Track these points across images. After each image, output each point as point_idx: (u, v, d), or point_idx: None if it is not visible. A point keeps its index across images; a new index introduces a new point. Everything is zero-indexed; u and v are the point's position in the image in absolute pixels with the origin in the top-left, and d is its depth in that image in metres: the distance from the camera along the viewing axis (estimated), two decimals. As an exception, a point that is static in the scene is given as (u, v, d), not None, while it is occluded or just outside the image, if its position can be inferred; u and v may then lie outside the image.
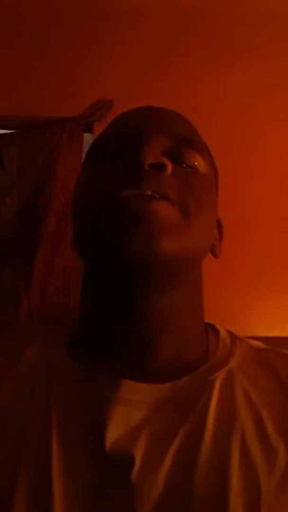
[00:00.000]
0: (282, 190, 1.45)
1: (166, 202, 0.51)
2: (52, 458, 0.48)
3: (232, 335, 0.60)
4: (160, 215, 0.49)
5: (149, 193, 0.50)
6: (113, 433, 0.48)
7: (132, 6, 1.50)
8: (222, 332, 0.60)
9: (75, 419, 0.50)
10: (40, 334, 0.62)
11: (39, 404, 0.51)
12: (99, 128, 1.42)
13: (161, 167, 0.52)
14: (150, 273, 0.50)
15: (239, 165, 1.40)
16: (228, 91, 1.49)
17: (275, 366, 0.56)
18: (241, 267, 1.38)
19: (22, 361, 0.56)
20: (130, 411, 0.50)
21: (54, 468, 0.47)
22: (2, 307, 1.37)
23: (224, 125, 1.43)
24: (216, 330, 0.61)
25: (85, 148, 1.44)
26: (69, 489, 0.46)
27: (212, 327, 0.62)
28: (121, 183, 0.51)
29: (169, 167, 0.52)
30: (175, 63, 1.50)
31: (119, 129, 0.59)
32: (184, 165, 0.55)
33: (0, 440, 0.50)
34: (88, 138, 1.49)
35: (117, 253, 0.49)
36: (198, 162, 0.57)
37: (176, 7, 1.51)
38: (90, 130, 1.48)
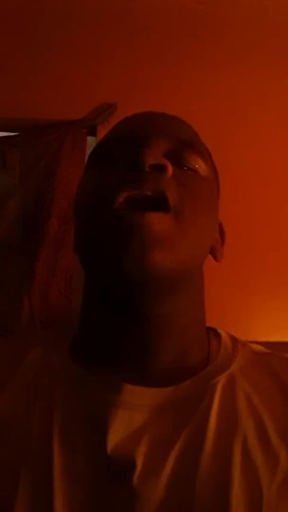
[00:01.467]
0: (285, 194, 1.45)
1: (161, 213, 0.50)
2: (54, 461, 0.48)
3: (234, 340, 0.60)
4: (153, 228, 0.49)
5: (149, 193, 0.50)
6: (115, 436, 0.48)
7: (136, 10, 1.51)
8: (224, 336, 0.60)
9: (76, 422, 0.50)
10: (41, 337, 0.62)
11: (40, 407, 0.51)
12: (102, 131, 1.42)
13: (162, 168, 0.52)
14: (147, 285, 0.50)
15: (241, 170, 1.40)
16: (232, 96, 1.48)
17: (276, 371, 0.56)
18: (243, 272, 1.37)
19: (24, 365, 0.56)
20: (131, 415, 0.50)
21: (56, 471, 0.47)
22: (3, 309, 1.37)
23: (227, 128, 1.43)
24: (218, 335, 0.61)
25: (88, 151, 1.45)
26: (70, 493, 0.46)
27: (214, 332, 0.61)
28: (121, 184, 0.51)
29: (170, 168, 0.52)
30: (178, 66, 1.50)
31: (121, 132, 0.59)
32: (185, 168, 0.55)
33: (2, 443, 0.50)
34: (91, 141, 1.49)
35: (112, 266, 0.49)
36: (199, 165, 0.57)
37: (179, 11, 1.51)
38: (93, 133, 1.48)
